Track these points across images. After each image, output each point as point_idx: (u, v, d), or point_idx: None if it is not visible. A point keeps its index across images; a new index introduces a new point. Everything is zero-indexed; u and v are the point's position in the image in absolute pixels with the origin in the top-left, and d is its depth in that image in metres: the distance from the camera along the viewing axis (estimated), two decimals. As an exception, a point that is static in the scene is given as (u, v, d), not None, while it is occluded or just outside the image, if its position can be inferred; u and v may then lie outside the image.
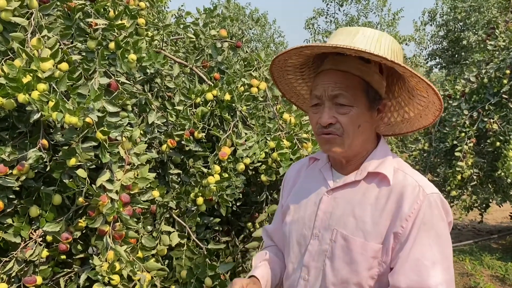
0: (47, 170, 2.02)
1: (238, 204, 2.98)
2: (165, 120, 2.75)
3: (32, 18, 2.01)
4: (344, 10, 14.22)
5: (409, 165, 1.24)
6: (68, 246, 2.14)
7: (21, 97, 1.81)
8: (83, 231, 2.24)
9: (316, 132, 1.22)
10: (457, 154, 5.25)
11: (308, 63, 1.33)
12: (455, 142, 5.35)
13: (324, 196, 1.26)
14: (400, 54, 1.20)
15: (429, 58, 15.03)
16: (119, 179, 2.06)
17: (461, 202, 5.88)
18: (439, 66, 15.18)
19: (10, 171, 2.00)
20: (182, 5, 3.64)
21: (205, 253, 2.48)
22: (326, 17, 14.25)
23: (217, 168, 2.54)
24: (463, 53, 13.37)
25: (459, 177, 5.29)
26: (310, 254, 1.24)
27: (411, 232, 1.10)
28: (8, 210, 2.06)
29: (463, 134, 5.26)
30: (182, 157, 2.83)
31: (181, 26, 3.14)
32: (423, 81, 1.11)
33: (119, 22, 2.27)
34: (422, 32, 15.80)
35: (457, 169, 5.27)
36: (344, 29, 1.22)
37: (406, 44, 14.37)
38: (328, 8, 14.05)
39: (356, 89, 1.16)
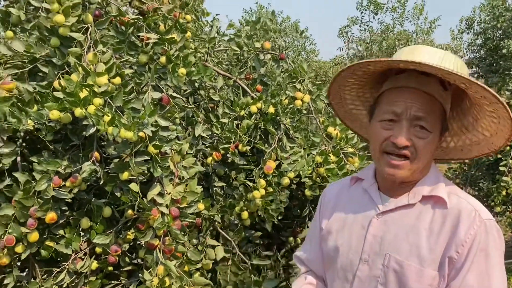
0: (99, 183, 2.04)
1: (279, 218, 2.95)
2: (210, 133, 2.75)
3: (88, 33, 2.04)
4: (379, 19, 13.98)
5: (450, 180, 1.19)
6: (117, 258, 2.16)
7: (78, 112, 1.84)
8: (131, 244, 2.26)
9: (381, 149, 1.15)
10: (501, 168, 5.05)
11: (368, 78, 1.29)
12: (499, 156, 5.16)
13: (374, 219, 1.20)
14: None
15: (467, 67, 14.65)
16: (169, 193, 2.06)
17: (505, 219, 5.66)
18: (476, 75, 14.77)
19: (64, 183, 2.03)
20: (217, 14, 3.66)
21: (250, 268, 2.46)
22: (360, 25, 14.10)
23: (262, 182, 2.52)
24: (502, 62, 12.97)
25: (504, 192, 5.10)
26: (360, 280, 1.19)
27: (467, 258, 1.06)
28: (61, 221, 2.10)
29: (508, 147, 5.07)
30: (225, 169, 2.82)
31: (225, 38, 3.15)
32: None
33: (170, 36, 2.29)
34: (459, 40, 15.45)
35: (502, 184, 5.07)
36: (417, 47, 1.18)
37: (443, 53, 14.04)
38: (363, 16, 13.90)
39: (436, 116, 1.13)
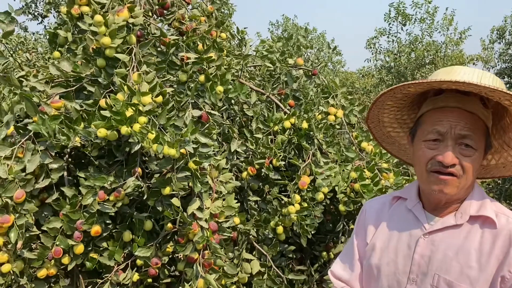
0: (143, 197, 2.11)
1: (312, 232, 2.96)
2: (244, 148, 2.80)
3: (132, 54, 2.14)
4: (407, 30, 13.83)
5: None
6: (157, 271, 2.23)
7: (124, 130, 1.92)
8: (170, 256, 2.32)
9: (427, 169, 1.17)
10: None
11: (407, 101, 1.31)
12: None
13: (421, 239, 1.21)
14: None
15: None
16: (208, 208, 2.12)
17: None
18: (508, 85, 14.43)
19: (108, 197, 2.12)
20: (245, 28, 3.74)
21: (285, 283, 2.48)
22: (388, 37, 14.02)
23: (297, 197, 2.55)
24: (535, 72, 12.66)
25: (541, 207, 4.97)
26: None
27: None
28: (104, 234, 2.18)
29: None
30: (259, 184, 2.87)
31: (259, 55, 3.22)
32: None
33: (208, 55, 2.37)
34: (490, 50, 15.15)
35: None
36: (453, 67, 1.20)
37: (474, 64, 13.81)
38: (391, 27, 13.83)
39: (481, 133, 1.14)
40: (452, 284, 1.12)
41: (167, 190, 2.03)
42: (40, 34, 9.61)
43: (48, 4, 9.07)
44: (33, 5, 9.35)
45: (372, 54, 14.65)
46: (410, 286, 1.20)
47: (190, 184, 2.09)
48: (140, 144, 1.94)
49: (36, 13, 9.49)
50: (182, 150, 2.00)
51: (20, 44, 8.47)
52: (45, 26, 9.87)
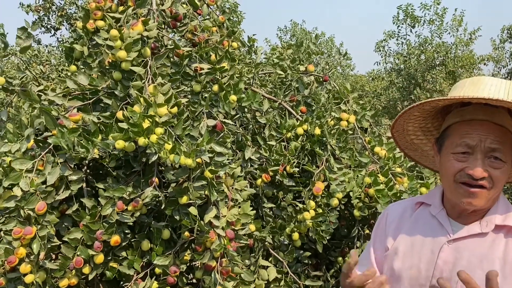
0: (160, 207, 2.15)
1: (328, 238, 2.97)
2: (258, 155, 2.83)
3: (148, 67, 2.19)
4: (416, 32, 13.78)
5: None
6: (175, 279, 2.26)
7: (141, 141, 1.97)
8: (187, 264, 2.35)
9: (455, 180, 1.18)
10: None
11: (433, 111, 1.33)
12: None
13: (445, 245, 1.21)
14: None
15: (508, 77, 14.23)
16: (225, 216, 2.15)
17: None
18: (521, 85, 14.27)
19: (126, 207, 2.16)
20: (254, 35, 3.80)
21: (302, 289, 2.50)
22: (397, 39, 13.99)
23: (312, 203, 2.57)
24: (548, 71, 12.52)
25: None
26: None
27: None
28: (124, 244, 2.22)
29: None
30: (273, 190, 2.89)
31: (270, 63, 3.25)
32: None
33: (221, 65, 2.41)
34: (501, 50, 15.04)
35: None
36: (480, 79, 1.21)
37: (484, 64, 13.70)
38: (399, 30, 13.80)
39: (509, 146, 1.15)
40: None
41: (184, 199, 2.06)
42: (53, 47, 9.79)
43: (61, 17, 9.23)
44: (45, 18, 9.52)
45: (382, 57, 14.63)
46: None
47: (207, 192, 2.12)
48: (157, 155, 1.98)
49: (49, 26, 9.66)
50: (198, 160, 2.03)
51: (34, 56, 8.63)
52: (57, 38, 10.04)
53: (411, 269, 1.26)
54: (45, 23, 9.50)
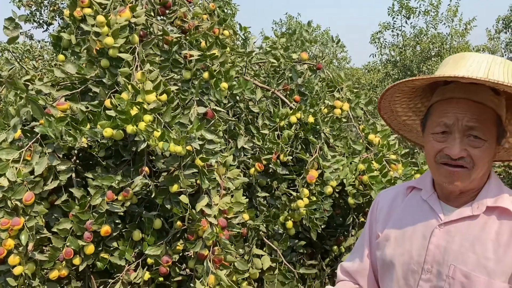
0: (150, 196, 2.12)
1: (322, 226, 2.95)
2: (251, 144, 2.80)
3: (136, 53, 2.14)
4: (411, 23, 13.71)
5: None
6: (168, 269, 2.23)
7: (130, 128, 1.93)
8: (180, 254, 2.32)
9: (436, 161, 1.15)
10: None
11: (416, 91, 1.29)
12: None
13: (436, 229, 1.18)
14: None
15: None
16: (217, 204, 2.12)
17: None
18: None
19: (116, 197, 2.12)
20: (248, 27, 3.74)
21: (297, 277, 2.47)
22: (392, 31, 13.92)
23: (306, 191, 2.54)
24: (544, 60, 12.52)
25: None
26: None
27: None
28: (114, 234, 2.19)
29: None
30: (267, 179, 2.86)
31: (263, 51, 3.21)
32: None
33: (211, 52, 2.37)
34: (497, 40, 15.02)
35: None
36: (463, 56, 1.17)
37: (480, 54, 13.66)
38: (395, 21, 13.73)
39: (490, 123, 1.12)
40: (470, 275, 1.09)
41: (174, 188, 2.03)
42: (45, 42, 9.67)
43: (53, 12, 9.13)
44: (37, 13, 9.41)
45: (377, 49, 14.56)
46: (424, 276, 1.17)
47: (198, 181, 2.09)
48: (146, 143, 1.95)
49: (41, 21, 9.55)
50: (188, 147, 2.00)
51: (27, 52, 8.54)
52: (50, 33, 9.93)
53: (402, 255, 1.23)
54: (37, 18, 9.40)
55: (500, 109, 1.14)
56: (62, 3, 9.41)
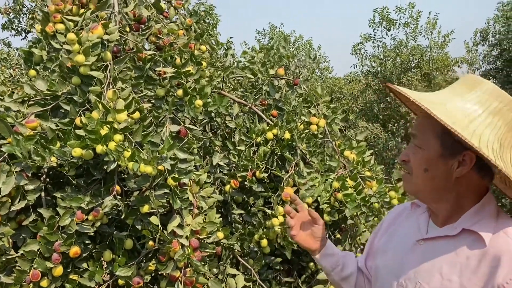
0: (120, 216, 2.08)
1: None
2: (227, 161, 2.78)
3: (107, 71, 2.11)
4: (391, 35, 13.95)
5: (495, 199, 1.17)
6: (139, 290, 2.18)
7: (99, 148, 1.89)
8: (152, 275, 2.28)
9: None
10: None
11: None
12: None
13: (415, 246, 1.23)
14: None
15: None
16: (189, 224, 2.09)
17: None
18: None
19: (86, 217, 2.08)
20: (231, 37, 3.74)
21: (271, 296, 2.45)
22: (373, 42, 14.13)
23: (280, 209, 2.53)
24: (519, 73, 12.82)
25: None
26: None
27: None
28: (84, 255, 2.14)
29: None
30: (243, 196, 2.84)
31: (240, 66, 3.20)
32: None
33: (186, 69, 2.35)
34: (475, 52, 15.35)
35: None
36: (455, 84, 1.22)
37: (458, 66, 13.96)
38: (375, 33, 13.94)
39: (428, 133, 1.16)
40: None
41: (145, 208, 2.00)
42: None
43: (31, 19, 9.00)
44: (16, 20, 9.28)
45: (358, 59, 14.75)
46: None
47: (170, 201, 2.06)
48: (116, 163, 1.91)
49: (19, 29, 9.41)
50: (160, 167, 1.97)
51: (4, 60, 8.39)
52: (28, 41, 9.79)
53: (385, 268, 1.30)
54: (16, 26, 9.26)
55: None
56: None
